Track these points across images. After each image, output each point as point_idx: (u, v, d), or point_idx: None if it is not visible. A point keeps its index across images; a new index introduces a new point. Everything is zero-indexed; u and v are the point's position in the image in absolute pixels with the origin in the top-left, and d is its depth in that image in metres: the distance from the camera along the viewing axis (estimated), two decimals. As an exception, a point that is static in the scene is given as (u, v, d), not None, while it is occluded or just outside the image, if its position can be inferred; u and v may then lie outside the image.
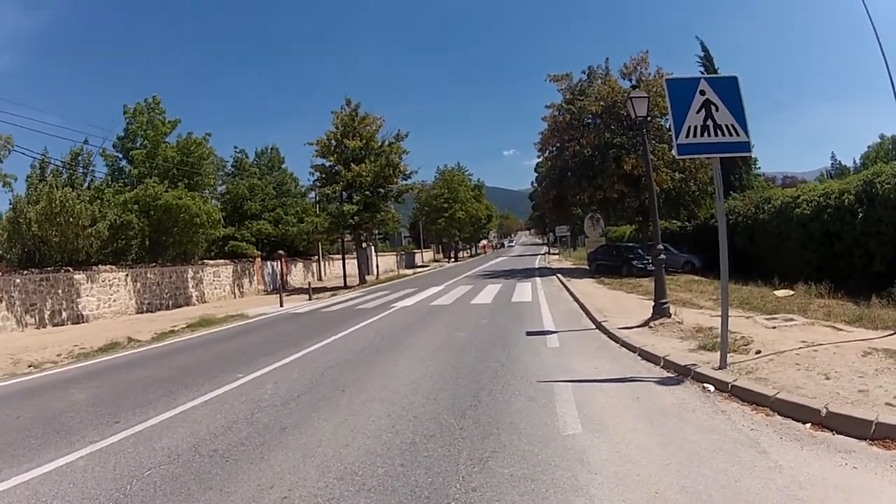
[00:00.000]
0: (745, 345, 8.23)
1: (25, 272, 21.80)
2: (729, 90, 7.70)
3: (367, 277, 40.56)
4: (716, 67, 38.54)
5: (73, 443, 6.21)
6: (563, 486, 4.17)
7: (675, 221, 33.08)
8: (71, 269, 23.53)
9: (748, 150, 8.02)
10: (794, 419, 5.31)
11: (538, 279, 28.54)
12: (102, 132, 54.87)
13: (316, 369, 9.49)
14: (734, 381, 6.37)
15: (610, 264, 28.84)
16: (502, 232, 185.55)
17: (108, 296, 25.23)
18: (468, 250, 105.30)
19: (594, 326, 12.29)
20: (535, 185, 39.41)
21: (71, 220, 22.77)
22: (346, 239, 41.27)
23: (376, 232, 43.34)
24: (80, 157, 31.20)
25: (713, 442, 4.94)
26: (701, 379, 6.86)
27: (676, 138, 7.73)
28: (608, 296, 17.81)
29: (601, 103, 30.69)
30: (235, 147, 54.19)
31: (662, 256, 12.01)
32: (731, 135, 7.56)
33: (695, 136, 7.62)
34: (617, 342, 10.16)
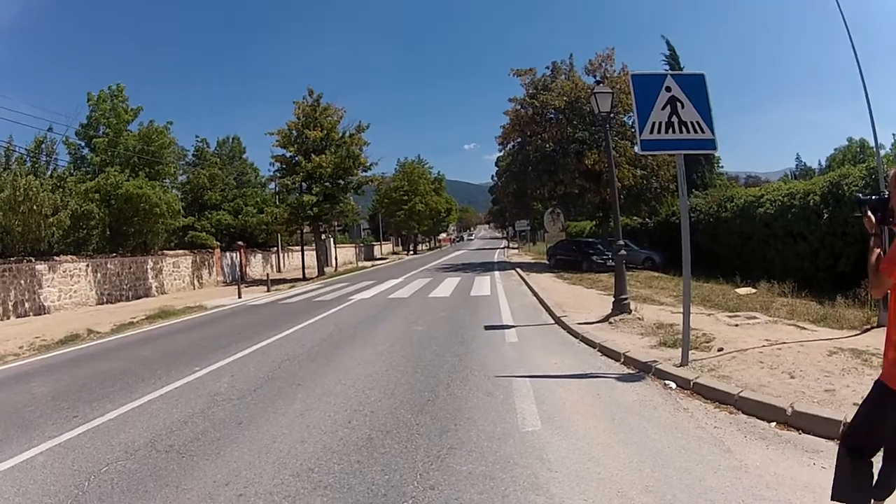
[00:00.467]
0: (707, 342, 8.23)
1: None
2: (695, 87, 7.68)
3: (326, 269, 40.40)
4: (681, 66, 38.95)
5: (32, 438, 6.13)
6: (523, 485, 4.06)
7: (635, 218, 33.27)
8: (33, 259, 23.18)
9: (714, 147, 7.99)
10: (758, 418, 5.27)
11: (497, 273, 28.52)
12: (66, 119, 53.58)
13: (273, 362, 9.35)
14: (696, 378, 6.32)
15: (570, 259, 28.88)
16: (462, 225, 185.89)
17: (69, 287, 24.84)
18: (427, 243, 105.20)
19: (553, 321, 12.24)
20: (496, 178, 39.43)
21: (35, 208, 22.34)
22: (305, 230, 40.85)
23: (336, 224, 42.88)
24: (43, 145, 30.62)
25: (676, 440, 4.87)
26: (662, 376, 6.81)
27: (640, 134, 7.71)
28: (568, 291, 17.78)
29: (564, 98, 30.86)
30: (197, 136, 53.37)
31: (623, 252, 12.00)
32: (696, 132, 7.55)
33: (659, 132, 7.60)
34: (577, 337, 10.10)
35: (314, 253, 40.58)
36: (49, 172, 29.75)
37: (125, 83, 32.90)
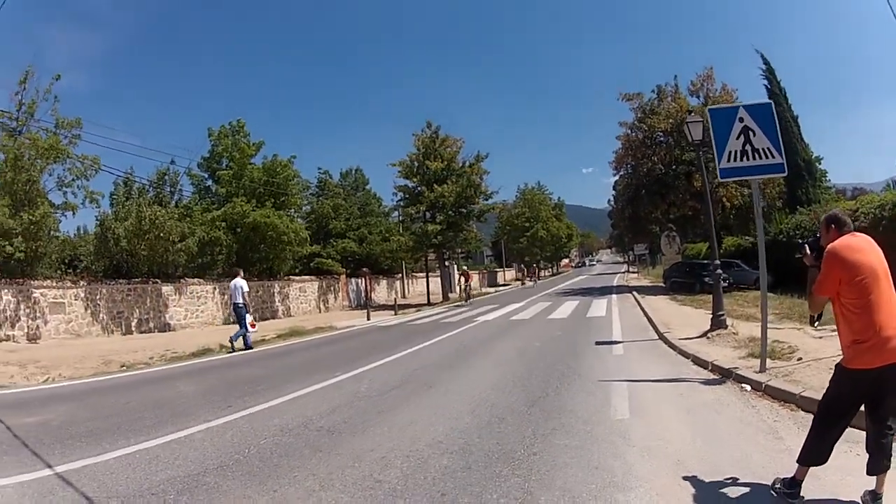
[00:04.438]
0: (790, 353, 8.81)
1: (112, 282, 22.66)
2: (764, 116, 8.35)
3: (450, 295, 40.89)
4: (778, 79, 37.78)
5: (187, 422, 7.07)
6: (605, 453, 5.05)
7: (747, 237, 32.33)
8: (159, 280, 24.39)
9: (783, 171, 8.62)
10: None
11: (614, 296, 28.89)
12: (188, 153, 55.79)
13: (406, 370, 10.51)
14: (768, 381, 7.05)
15: (683, 281, 28.77)
16: (584, 251, 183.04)
17: (195, 307, 26.12)
18: (550, 269, 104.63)
19: (657, 337, 12.97)
20: (612, 203, 39.48)
21: (161, 235, 23.55)
22: (429, 257, 41.62)
23: (459, 251, 43.48)
24: (166, 177, 32.25)
25: (737, 428, 5.69)
26: (740, 380, 7.56)
27: (719, 163, 8.48)
28: (676, 311, 18.25)
29: (671, 121, 30.92)
30: (319, 168, 54.84)
31: (719, 272, 12.72)
32: (767, 158, 8.21)
33: (736, 160, 8.34)
34: (675, 350, 10.89)
35: (438, 279, 41.43)
36: (174, 202, 31.26)
37: (246, 117, 34.06)
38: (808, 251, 4.32)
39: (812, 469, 3.99)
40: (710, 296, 22.52)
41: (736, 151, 8.35)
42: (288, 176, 33.48)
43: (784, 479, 4.03)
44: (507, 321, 19.89)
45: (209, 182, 34.18)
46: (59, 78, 23.58)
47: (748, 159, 8.30)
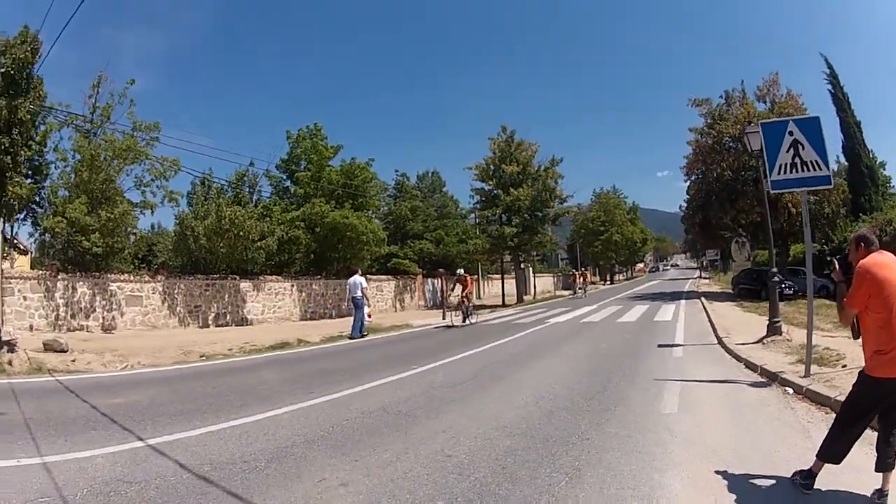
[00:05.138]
0: (836, 360, 9.18)
1: (190, 277, 23.57)
2: (812, 129, 8.78)
3: (525, 297, 41.21)
4: (841, 84, 36.82)
5: (273, 404, 7.82)
6: (650, 441, 5.74)
7: (814, 245, 32.02)
8: (237, 276, 25.18)
9: (829, 182, 9.14)
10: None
11: (683, 302, 29.23)
12: (267, 156, 56.40)
13: (478, 365, 11.38)
14: (809, 385, 7.56)
15: (751, 288, 28.74)
16: (658, 255, 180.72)
17: (273, 303, 26.84)
18: (624, 273, 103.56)
19: (716, 342, 13.42)
20: (682, 209, 39.24)
21: (240, 234, 24.20)
22: (504, 260, 41.80)
23: (534, 253, 43.40)
24: (245, 178, 32.78)
25: (772, 426, 6.26)
26: (785, 384, 8.08)
27: (770, 175, 8.97)
28: (739, 317, 18.50)
29: (738, 126, 30.51)
30: (396, 170, 55.14)
31: (775, 279, 13.04)
32: (814, 170, 8.64)
33: (786, 172, 8.81)
34: (730, 354, 11.40)
35: (513, 281, 41.68)
36: (253, 202, 31.70)
37: (323, 122, 34.64)
38: (836, 267, 4.75)
39: (831, 466, 4.41)
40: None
41: (786, 164, 8.81)
42: (366, 178, 34.00)
43: (802, 470, 4.50)
44: (577, 323, 20.58)
45: (287, 183, 34.88)
46: (133, 83, 24.68)
47: (797, 171, 8.74)
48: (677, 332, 16.12)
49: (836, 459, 4.38)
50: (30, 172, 20.10)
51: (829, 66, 37.36)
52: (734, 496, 4.33)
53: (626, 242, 77.36)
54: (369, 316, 18.95)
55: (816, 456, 4.44)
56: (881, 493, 4.13)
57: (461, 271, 24.22)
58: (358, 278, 19.43)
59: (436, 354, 13.04)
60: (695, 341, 13.90)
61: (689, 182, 38.00)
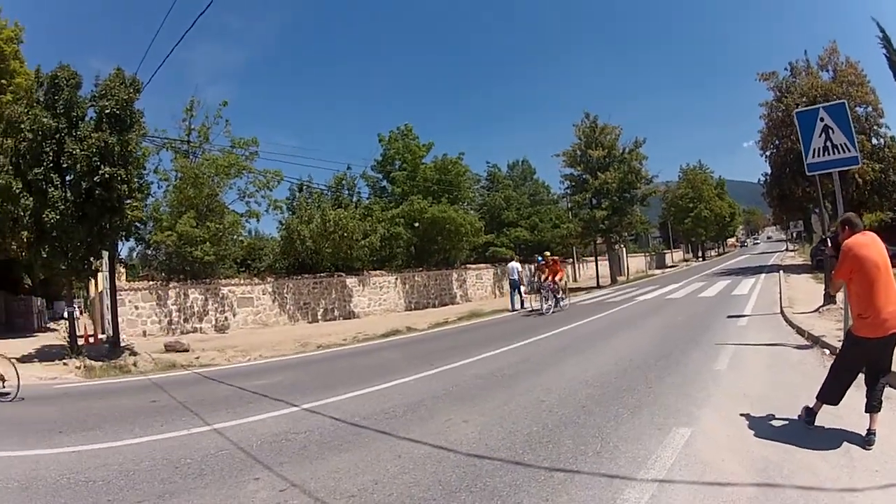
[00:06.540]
0: (879, 327, 10.28)
1: (297, 277, 25.34)
2: (840, 114, 9.73)
3: (619, 278, 41.77)
4: (895, 47, 35.68)
5: (400, 375, 9.74)
6: (697, 388, 7.28)
7: (889, 213, 31.71)
8: (343, 273, 26.90)
9: (857, 163, 10.14)
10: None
11: (763, 276, 29.69)
12: (364, 161, 56.31)
13: (568, 339, 13.24)
14: (842, 347, 8.77)
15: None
16: (749, 228, 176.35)
17: (377, 296, 28.63)
18: (716, 249, 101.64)
19: (779, 312, 14.44)
20: (761, 183, 38.53)
21: (345, 234, 25.58)
22: (598, 242, 42.15)
23: (626, 234, 43.04)
24: (343, 181, 33.72)
25: (801, 382, 7.17)
26: (824, 346, 9.25)
27: (806, 159, 10.02)
28: (808, 288, 19.00)
29: (804, 99, 30.33)
30: (488, 162, 55.40)
31: (829, 249, 13.90)
32: (844, 152, 9.61)
33: (819, 155, 9.83)
34: (787, 322, 12.52)
35: (607, 263, 42.40)
36: (353, 203, 32.76)
37: (411, 122, 35.93)
38: (829, 244, 5.90)
39: (837, 410, 5.32)
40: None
41: (819, 148, 9.82)
42: (459, 172, 35.00)
43: (806, 407, 5.43)
44: (661, 300, 21.88)
45: (383, 183, 36.18)
46: (226, 104, 27.61)
47: (829, 154, 9.74)
48: (748, 304, 17.18)
49: (833, 401, 5.27)
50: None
51: (882, 30, 36.46)
52: (749, 424, 5.67)
53: (714, 218, 75.57)
54: (526, 293, 22.73)
55: (816, 397, 5.37)
56: (868, 432, 4.90)
57: (542, 256, 22.48)
58: (514, 264, 23.15)
59: (533, 332, 14.87)
60: (760, 312, 15.03)
61: (764, 156, 37.77)
